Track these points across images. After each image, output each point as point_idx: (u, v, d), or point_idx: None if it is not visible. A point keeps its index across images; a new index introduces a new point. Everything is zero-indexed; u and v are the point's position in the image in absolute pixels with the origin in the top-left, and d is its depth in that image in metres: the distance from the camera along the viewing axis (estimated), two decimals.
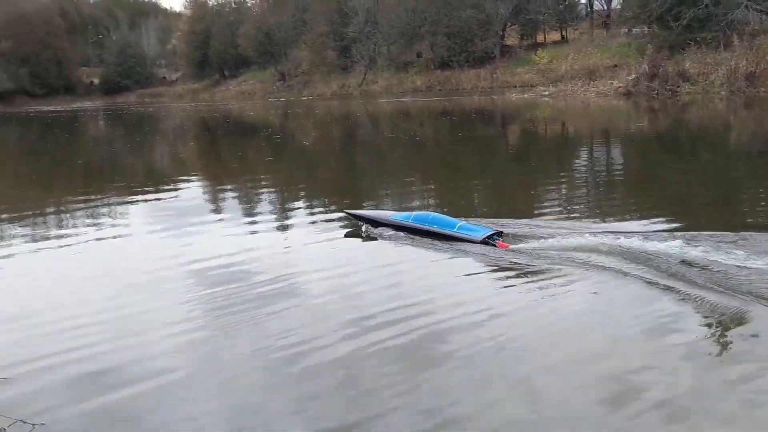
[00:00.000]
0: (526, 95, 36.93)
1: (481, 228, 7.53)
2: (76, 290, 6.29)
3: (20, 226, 9.35)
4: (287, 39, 70.50)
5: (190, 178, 14.40)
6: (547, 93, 35.64)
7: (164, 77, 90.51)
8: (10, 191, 13.64)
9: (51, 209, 11.00)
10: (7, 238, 8.64)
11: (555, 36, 58.46)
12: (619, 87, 31.48)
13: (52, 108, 62.79)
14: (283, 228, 8.77)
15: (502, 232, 7.45)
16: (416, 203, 10.02)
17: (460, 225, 7.58)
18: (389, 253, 7.21)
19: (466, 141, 19.66)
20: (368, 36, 61.32)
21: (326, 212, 9.75)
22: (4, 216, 10.33)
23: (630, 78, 31.34)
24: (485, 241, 7.17)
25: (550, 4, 54.29)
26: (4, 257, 7.58)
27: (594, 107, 28.77)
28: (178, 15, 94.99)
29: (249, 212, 9.94)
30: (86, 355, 4.58)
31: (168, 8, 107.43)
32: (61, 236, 8.55)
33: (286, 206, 10.46)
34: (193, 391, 4.04)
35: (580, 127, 23.20)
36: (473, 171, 13.53)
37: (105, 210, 10.54)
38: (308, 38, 67.28)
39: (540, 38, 58.47)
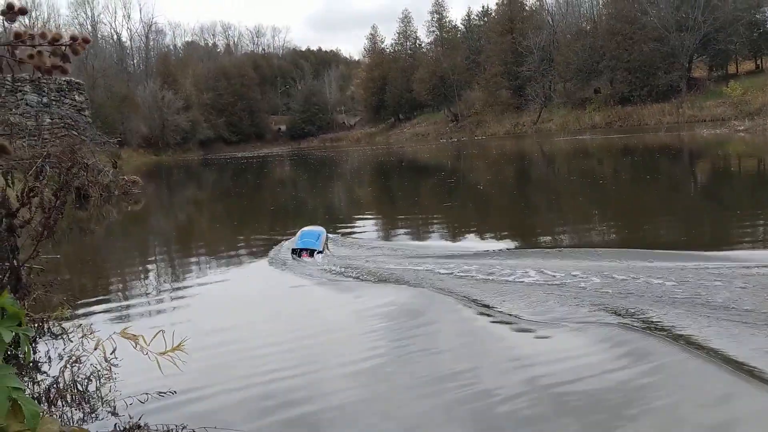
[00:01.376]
0: (718, 131, 34.25)
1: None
2: (266, 319, 6.66)
3: (213, 260, 10.13)
4: (460, 81, 71.62)
5: (365, 217, 14.83)
6: (742, 128, 32.85)
7: (343, 122, 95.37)
8: (208, 229, 14.87)
9: (242, 245, 11.80)
10: (203, 270, 9.39)
11: (749, 66, 54.19)
12: None
13: (245, 154, 68.33)
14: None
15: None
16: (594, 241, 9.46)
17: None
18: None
19: (652, 182, 18.49)
20: (543, 74, 60.62)
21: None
22: (203, 250, 11.26)
23: None
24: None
25: (743, 33, 50.44)
26: (202, 285, 8.21)
27: None
28: (357, 63, 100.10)
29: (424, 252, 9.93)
30: (274, 377, 4.83)
31: (348, 56, 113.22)
32: (246, 274, 9.09)
33: (460, 244, 10.34)
34: (366, 412, 4.13)
35: None
36: (659, 213, 12.61)
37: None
38: (481, 79, 67.86)
39: (731, 69, 54.42)
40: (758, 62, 53.82)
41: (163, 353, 4.67)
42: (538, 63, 60.54)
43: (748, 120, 33.96)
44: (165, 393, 4.52)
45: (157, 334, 4.20)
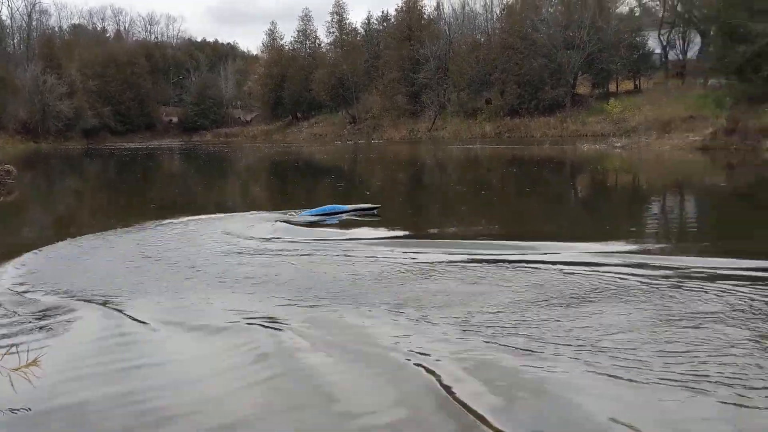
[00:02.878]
0: (597, 146, 36.28)
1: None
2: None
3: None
4: (359, 84, 71.99)
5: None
6: (619, 144, 34.94)
7: (239, 117, 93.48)
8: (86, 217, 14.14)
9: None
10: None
11: (628, 85, 57.69)
12: (695, 141, 30.55)
13: (132, 145, 65.65)
14: None
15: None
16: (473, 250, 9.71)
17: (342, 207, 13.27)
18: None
19: (533, 193, 19.37)
20: (438, 82, 61.96)
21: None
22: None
23: (707, 132, 30.43)
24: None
25: (624, 54, 53.68)
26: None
27: (669, 161, 27.99)
28: (255, 58, 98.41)
29: None
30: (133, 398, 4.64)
31: (246, 51, 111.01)
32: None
33: None
34: None
35: (655, 181, 22.24)
36: (536, 223, 13.22)
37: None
38: (380, 83, 68.54)
39: (612, 87, 57.77)
40: (636, 82, 57.40)
41: (17, 369, 4.40)
42: (434, 71, 61.83)
43: (625, 137, 36.14)
44: (18, 410, 4.27)
45: (9, 349, 3.96)
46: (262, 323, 6.11)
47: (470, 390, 4.52)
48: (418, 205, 16.94)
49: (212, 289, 7.55)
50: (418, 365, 4.94)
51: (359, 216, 12.91)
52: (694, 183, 21.02)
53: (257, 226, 11.99)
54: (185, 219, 13.00)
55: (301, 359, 5.26)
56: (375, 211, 13.24)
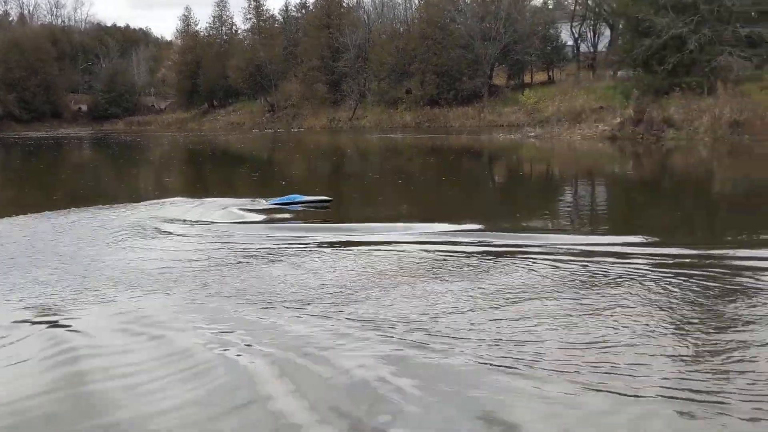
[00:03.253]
0: (512, 136, 37.13)
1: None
2: None
3: None
4: (278, 71, 70.91)
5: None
6: (533, 134, 35.84)
7: (152, 105, 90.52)
8: None
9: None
10: None
11: (542, 77, 59.16)
12: (605, 130, 31.68)
13: (39, 134, 62.55)
14: None
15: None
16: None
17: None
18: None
19: (450, 182, 19.63)
20: (358, 71, 61.80)
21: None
22: None
23: (615, 122, 31.60)
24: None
25: (538, 46, 55.04)
26: None
27: (580, 150, 28.94)
28: (169, 44, 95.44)
29: None
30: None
31: (159, 37, 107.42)
32: None
33: None
34: None
35: (564, 171, 23.19)
36: (456, 211, 13.40)
37: None
38: (299, 71, 67.70)
39: (527, 78, 59.15)
40: (550, 74, 58.97)
41: None
42: (354, 60, 61.60)
43: (539, 127, 37.06)
44: None
45: None
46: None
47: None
48: (337, 194, 16.83)
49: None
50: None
51: (313, 208, 13.38)
52: (601, 171, 21.82)
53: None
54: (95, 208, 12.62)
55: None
56: (327, 204, 13.74)
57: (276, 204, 13.49)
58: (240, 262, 8.38)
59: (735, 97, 29.45)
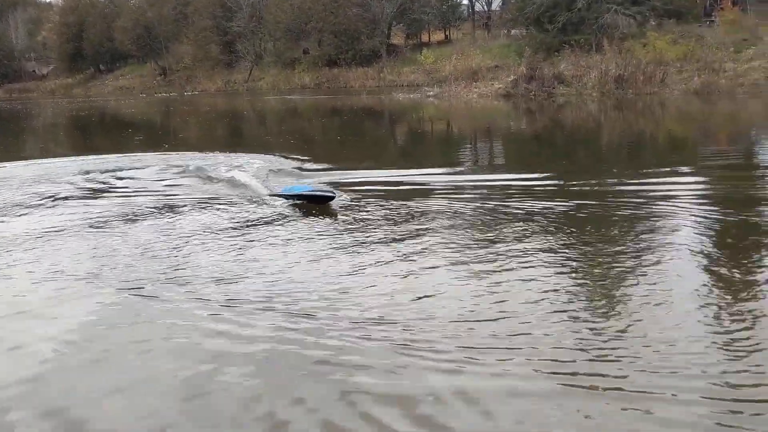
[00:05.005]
0: (412, 95, 37.30)
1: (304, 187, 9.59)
2: None
3: None
4: (168, 33, 67.93)
5: None
6: (432, 93, 36.12)
7: (34, 71, 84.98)
8: None
9: None
10: None
11: (439, 36, 59.58)
12: (499, 88, 32.34)
13: None
14: None
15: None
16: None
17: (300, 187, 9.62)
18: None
19: (355, 140, 19.63)
20: (253, 31, 60.14)
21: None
22: None
23: (509, 80, 32.29)
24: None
25: (434, 5, 55.24)
26: None
27: (476, 108, 29.44)
28: (49, 6, 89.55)
29: None
30: None
31: None
32: None
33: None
34: None
35: (462, 127, 23.72)
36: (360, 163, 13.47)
37: None
38: (190, 32, 65.11)
39: (425, 38, 59.39)
40: (447, 33, 59.47)
41: None
42: (248, 20, 59.86)
43: (437, 86, 37.39)
44: None
45: None
46: None
47: None
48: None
49: None
50: None
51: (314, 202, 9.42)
52: (498, 126, 22.32)
53: None
54: None
55: None
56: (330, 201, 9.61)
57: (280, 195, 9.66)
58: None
59: (620, 53, 30.66)
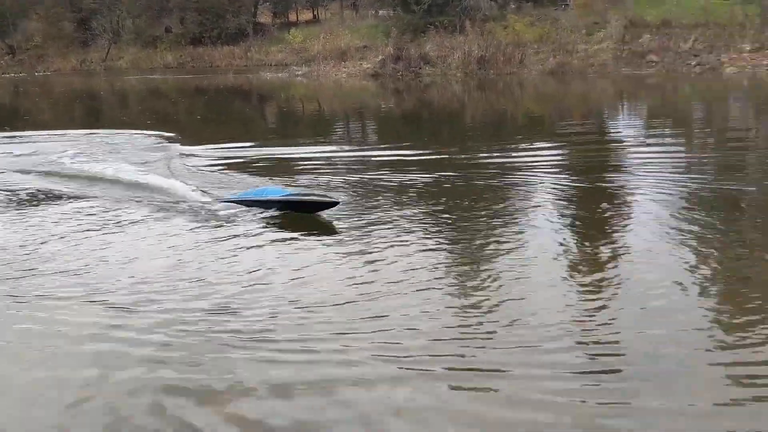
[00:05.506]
0: (280, 74, 36.78)
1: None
2: None
3: None
4: (15, 9, 62.72)
5: None
6: (300, 72, 35.75)
7: None
8: None
9: None
10: None
11: (308, 16, 58.95)
12: (368, 68, 32.53)
13: None
14: None
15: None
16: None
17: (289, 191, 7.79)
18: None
19: (220, 118, 19.10)
20: (110, 8, 56.77)
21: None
22: None
23: (377, 60, 32.53)
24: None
25: None
26: None
27: (345, 87, 29.48)
28: None
29: None
30: None
31: None
32: None
33: None
34: None
35: (332, 106, 23.72)
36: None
37: None
38: (40, 8, 60.42)
39: (293, 17, 58.58)
40: (315, 13, 58.91)
41: None
42: None
43: (306, 66, 37.04)
44: None
45: None
46: None
47: None
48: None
49: None
50: None
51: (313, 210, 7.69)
52: (366, 104, 22.49)
53: None
54: None
55: None
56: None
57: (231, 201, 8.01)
58: None
59: (482, 35, 31.65)
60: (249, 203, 7.61)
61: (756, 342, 4.12)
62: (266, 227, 6.93)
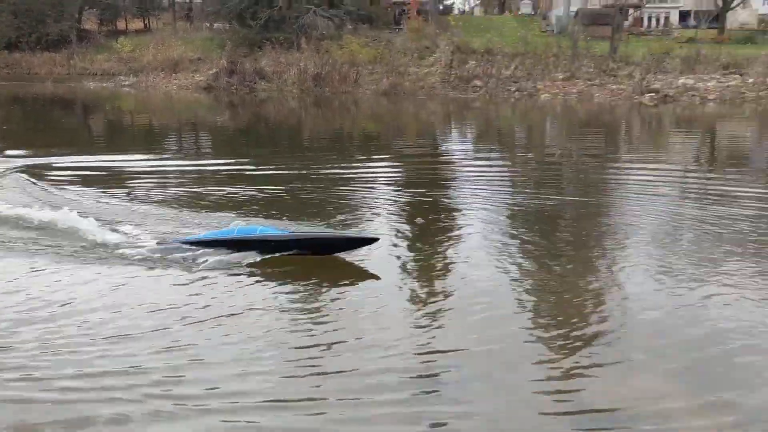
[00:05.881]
0: (105, 84, 34.76)
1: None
2: None
3: None
4: None
5: None
6: (128, 83, 34.02)
7: None
8: None
9: None
10: None
11: (138, 24, 56.40)
12: (200, 81, 31.68)
13: None
14: None
15: None
16: None
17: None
18: None
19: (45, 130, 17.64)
20: None
21: None
22: None
23: (211, 72, 31.79)
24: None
25: None
26: None
27: (176, 99, 28.43)
28: None
29: None
30: None
31: None
32: None
33: None
34: None
35: (159, 118, 22.73)
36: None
37: None
38: None
39: (122, 25, 55.80)
40: (146, 22, 56.49)
41: None
42: None
43: (134, 76, 35.32)
44: None
45: None
46: None
47: None
48: None
49: None
50: None
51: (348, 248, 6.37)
52: (198, 117, 21.82)
53: None
54: None
55: None
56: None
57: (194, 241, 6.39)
58: None
59: (318, 52, 31.95)
60: (219, 244, 6.07)
61: (567, 350, 4.36)
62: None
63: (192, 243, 6.15)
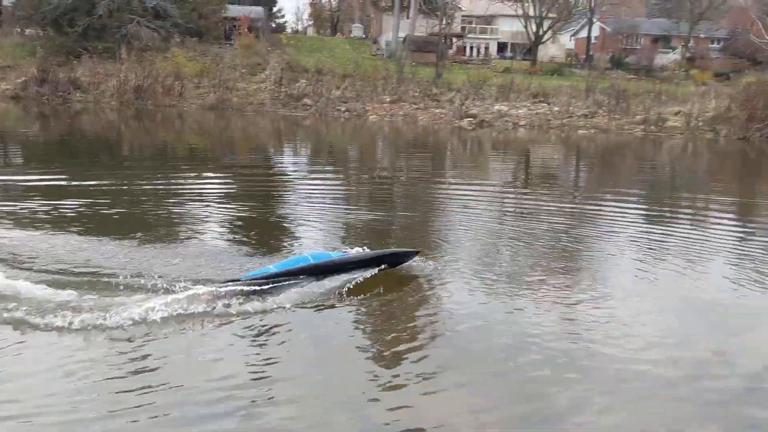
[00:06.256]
0: None
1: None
2: None
3: None
4: None
5: None
6: None
7: None
8: None
9: None
10: None
11: None
12: (8, 90, 29.05)
13: None
14: None
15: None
16: None
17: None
18: None
19: None
20: None
21: None
22: None
23: (19, 81, 29.27)
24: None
25: None
26: None
27: None
28: None
29: None
30: None
31: None
32: None
33: None
34: None
35: None
36: None
37: None
38: None
39: None
40: None
41: None
42: None
43: None
44: None
45: None
46: None
47: None
48: None
49: None
50: None
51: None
52: (8, 130, 19.89)
53: None
54: None
55: None
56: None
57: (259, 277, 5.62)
58: None
59: (140, 63, 30.51)
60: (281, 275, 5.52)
61: (381, 368, 4.39)
62: None
63: None
